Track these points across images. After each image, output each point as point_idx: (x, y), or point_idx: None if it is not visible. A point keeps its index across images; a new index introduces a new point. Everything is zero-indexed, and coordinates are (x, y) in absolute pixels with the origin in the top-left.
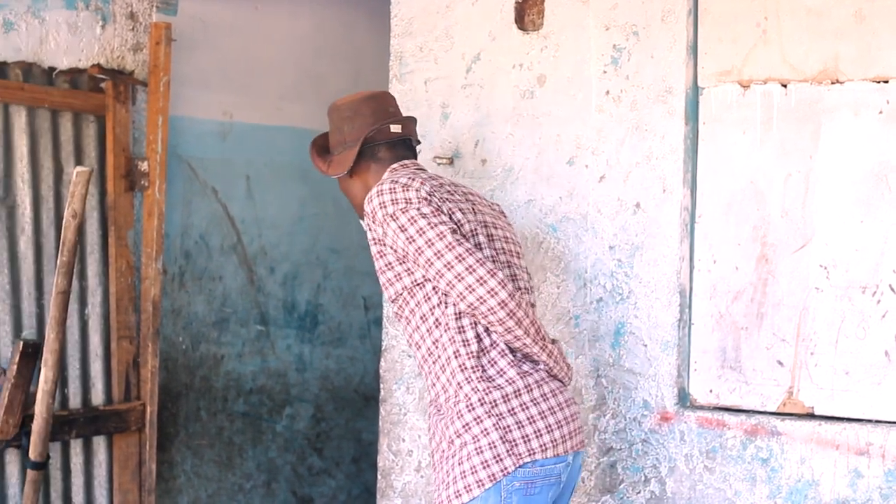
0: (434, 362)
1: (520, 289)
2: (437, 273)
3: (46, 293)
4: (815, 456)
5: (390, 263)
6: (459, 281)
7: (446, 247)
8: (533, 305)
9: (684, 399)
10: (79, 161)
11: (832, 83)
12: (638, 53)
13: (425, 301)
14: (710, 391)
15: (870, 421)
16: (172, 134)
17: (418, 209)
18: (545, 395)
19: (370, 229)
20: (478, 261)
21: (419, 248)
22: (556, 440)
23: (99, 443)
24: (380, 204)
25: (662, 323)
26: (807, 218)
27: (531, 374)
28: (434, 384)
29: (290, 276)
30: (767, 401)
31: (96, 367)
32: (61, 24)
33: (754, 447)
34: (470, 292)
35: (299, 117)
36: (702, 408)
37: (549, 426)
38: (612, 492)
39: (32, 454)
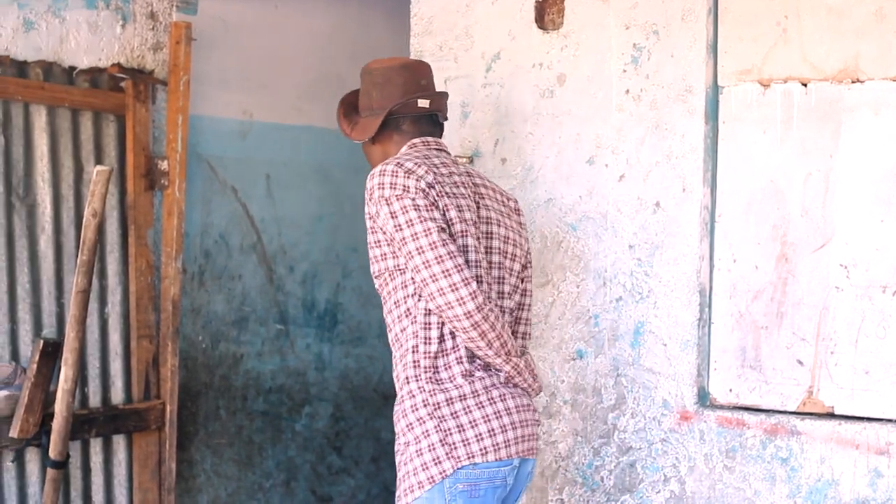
0: (397, 349)
1: (501, 294)
2: (414, 267)
3: (66, 292)
4: (834, 455)
5: (379, 241)
6: (434, 281)
7: (429, 244)
8: (524, 307)
9: (704, 398)
10: (99, 160)
11: (852, 82)
12: (658, 52)
13: (402, 287)
14: (730, 390)
15: (890, 420)
16: (192, 133)
17: (413, 199)
18: (492, 399)
19: (367, 203)
20: (455, 266)
21: (404, 238)
22: (498, 444)
23: (119, 441)
24: (378, 184)
25: (682, 322)
26: (827, 217)
27: (483, 379)
28: (395, 367)
29: (310, 275)
30: (787, 400)
31: (116, 366)
32: (81, 23)
33: (774, 447)
34: (440, 295)
35: (319, 117)
36: (721, 407)
37: (493, 430)
38: (631, 491)
39: (52, 453)
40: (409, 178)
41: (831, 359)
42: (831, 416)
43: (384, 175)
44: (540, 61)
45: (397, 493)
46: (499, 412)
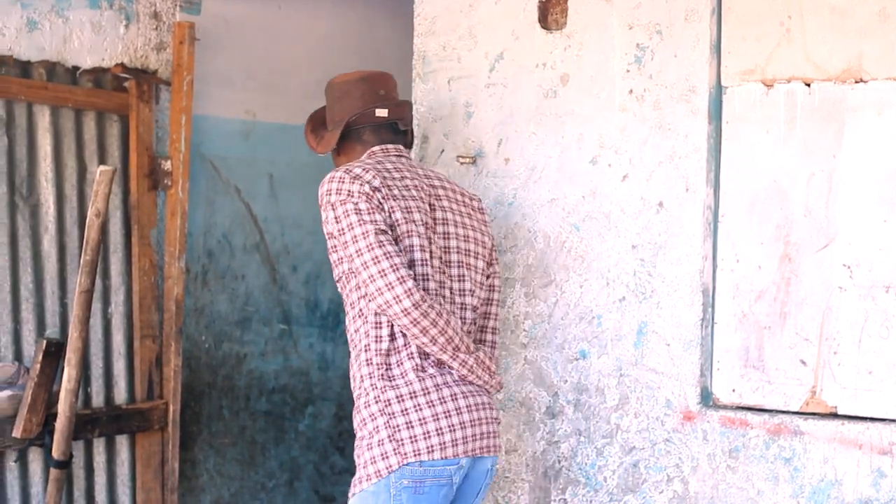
0: (353, 348)
1: (462, 292)
2: (355, 268)
3: (70, 292)
4: (838, 455)
5: (335, 247)
6: (372, 281)
7: (367, 246)
8: (492, 302)
9: (707, 398)
10: (102, 160)
11: (856, 82)
12: (661, 52)
13: (355, 290)
14: (733, 390)
15: (893, 420)
16: (195, 133)
17: (355, 204)
18: (443, 398)
19: (321, 211)
20: (391, 266)
21: (345, 242)
22: (445, 443)
23: (122, 441)
24: (326, 191)
25: (685, 322)
26: (830, 217)
27: (435, 377)
28: (351, 367)
29: (313, 275)
30: (790, 400)
31: (119, 366)
32: (85, 23)
33: (777, 447)
34: (378, 294)
35: None
36: (724, 407)
37: (440, 429)
38: (634, 491)
39: (55, 453)
40: (353, 183)
41: (834, 359)
42: (834, 416)
43: (332, 182)
44: (543, 61)
45: (352, 482)
46: (448, 411)
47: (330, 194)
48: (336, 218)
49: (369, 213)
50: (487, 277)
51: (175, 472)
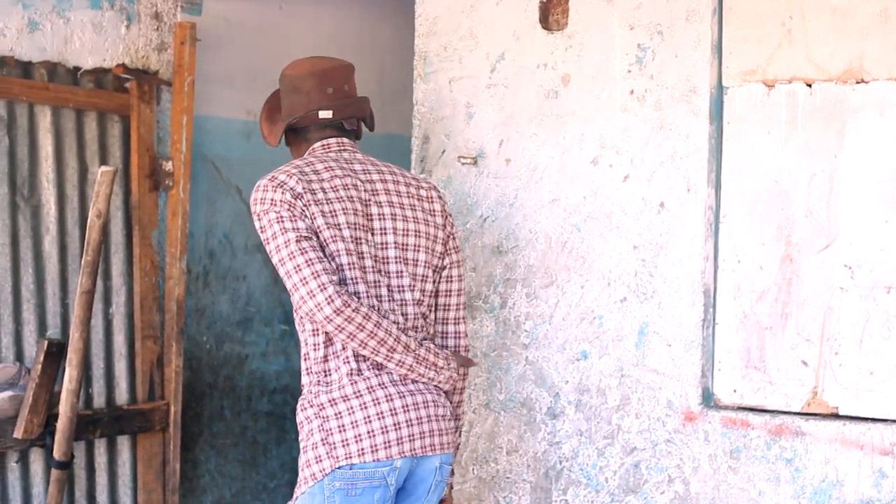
0: (301, 355)
1: (402, 288)
2: (283, 278)
3: (71, 292)
4: (839, 456)
5: (271, 252)
6: (296, 290)
7: (289, 255)
8: (450, 293)
9: (708, 399)
10: (103, 161)
11: (857, 83)
12: (662, 53)
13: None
14: (735, 391)
15: (895, 421)
16: (197, 133)
17: (277, 212)
18: (377, 399)
19: None
20: (312, 273)
21: (270, 250)
22: (376, 445)
23: (123, 442)
24: (252, 200)
25: (686, 323)
26: (831, 218)
27: (369, 378)
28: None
29: None
30: (792, 401)
31: (120, 367)
32: (86, 23)
33: (778, 447)
34: (303, 303)
35: None
36: (726, 408)
37: (372, 431)
38: (635, 492)
39: (57, 453)
40: (276, 191)
41: (836, 359)
42: (836, 416)
43: (257, 191)
44: (544, 62)
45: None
46: (381, 413)
47: (255, 203)
48: (262, 228)
49: (291, 221)
50: (443, 269)
51: (176, 472)
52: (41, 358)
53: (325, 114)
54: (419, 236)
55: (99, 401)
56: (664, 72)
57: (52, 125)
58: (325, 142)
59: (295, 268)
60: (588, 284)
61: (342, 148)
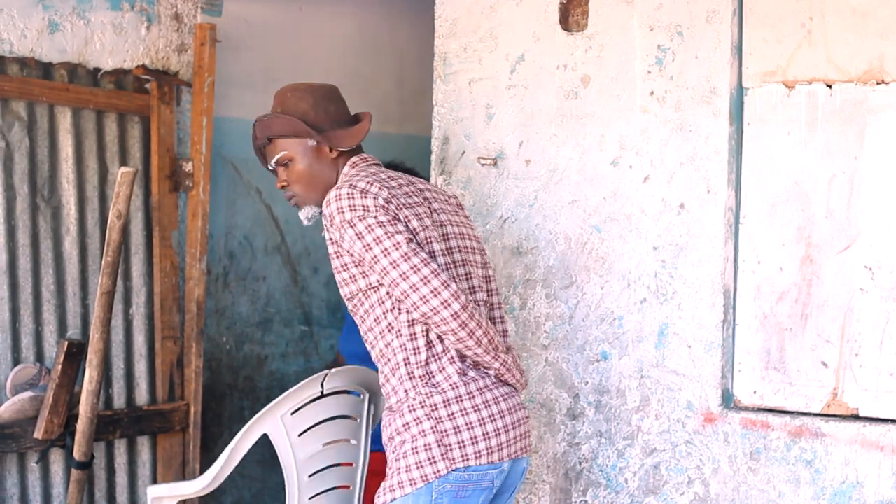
0: (385, 364)
1: (472, 290)
2: (392, 282)
3: (91, 293)
4: (859, 458)
5: (346, 265)
6: (414, 291)
7: (402, 257)
8: (487, 304)
9: (728, 400)
10: (123, 162)
11: (877, 83)
12: (682, 54)
13: (379, 304)
14: (755, 392)
15: None
16: (217, 134)
17: (375, 217)
18: (487, 402)
19: (327, 230)
20: (432, 272)
21: (375, 256)
22: (491, 448)
23: (143, 442)
24: (338, 209)
25: (706, 324)
26: (851, 219)
27: (477, 380)
28: (384, 384)
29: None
30: (812, 402)
31: (140, 367)
32: (106, 24)
33: (798, 448)
34: (424, 303)
35: None
36: (746, 409)
37: (487, 433)
38: (655, 493)
39: (77, 454)
40: (365, 197)
41: (856, 360)
42: (856, 417)
43: (340, 199)
44: (564, 63)
45: (383, 487)
46: (493, 415)
47: (343, 212)
48: (358, 235)
49: (392, 224)
50: (487, 276)
51: (196, 473)
52: (61, 358)
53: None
54: (471, 240)
55: (119, 401)
56: (684, 73)
57: (72, 126)
58: (362, 155)
59: (412, 268)
60: (608, 285)
61: (377, 162)
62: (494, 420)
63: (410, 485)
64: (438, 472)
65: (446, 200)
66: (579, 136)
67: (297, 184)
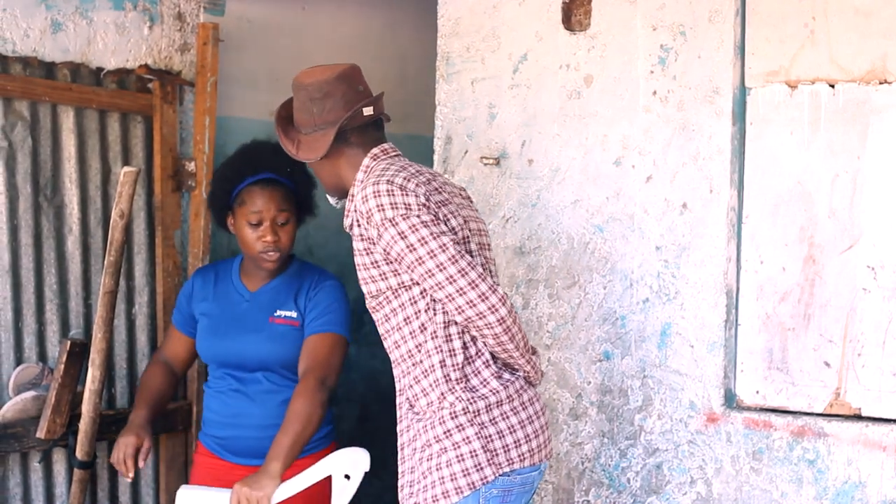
0: (414, 365)
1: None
2: (436, 284)
3: (94, 293)
4: (862, 457)
5: (377, 262)
6: (461, 295)
7: (449, 259)
8: None
9: (731, 400)
10: (126, 161)
11: (880, 83)
12: (685, 53)
13: (410, 304)
14: (757, 392)
15: None
16: (219, 134)
17: (419, 216)
18: (524, 404)
19: (358, 225)
20: (479, 276)
21: (420, 257)
22: (533, 450)
23: None
24: (377, 206)
25: (709, 324)
26: (854, 219)
27: (513, 383)
28: (412, 385)
29: (337, 275)
30: (814, 402)
31: (143, 367)
32: (109, 24)
33: (801, 448)
34: (470, 307)
35: None
36: (748, 409)
37: (528, 436)
38: (657, 493)
39: (79, 453)
40: (406, 195)
41: (858, 360)
42: (858, 417)
43: (379, 196)
44: (567, 62)
45: (421, 497)
46: (530, 417)
47: (383, 210)
48: (400, 234)
49: (436, 224)
50: (496, 267)
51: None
52: (64, 358)
53: (368, 111)
54: (486, 235)
55: (122, 401)
56: (687, 72)
57: (75, 126)
58: (383, 148)
59: (460, 271)
60: (610, 285)
61: (398, 153)
62: (532, 422)
63: (457, 493)
64: (485, 478)
65: (459, 193)
66: (582, 136)
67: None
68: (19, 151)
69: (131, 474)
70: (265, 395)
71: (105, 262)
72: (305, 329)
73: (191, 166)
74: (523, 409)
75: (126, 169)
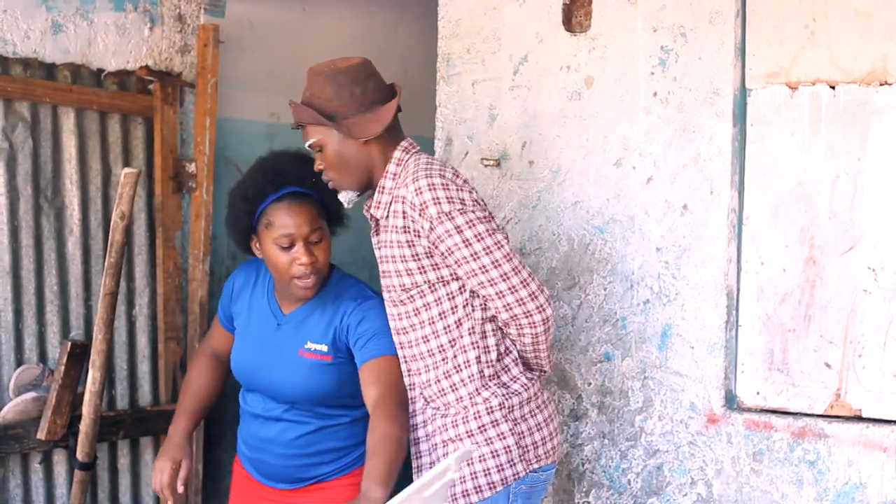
0: (445, 360)
1: None
2: (488, 280)
3: (94, 294)
4: (862, 458)
5: (417, 255)
6: (512, 292)
7: (504, 256)
8: None
9: (731, 401)
10: (126, 162)
11: (881, 84)
12: (686, 55)
13: (448, 299)
14: (758, 393)
15: None
16: (220, 135)
17: (474, 212)
18: (545, 401)
19: (404, 217)
20: (530, 274)
21: (475, 252)
22: (555, 447)
23: (146, 443)
24: (433, 199)
25: (709, 325)
26: (855, 220)
27: (534, 382)
28: (439, 380)
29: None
30: (815, 403)
31: (143, 368)
32: (109, 25)
33: (801, 449)
34: (519, 304)
35: None
36: (749, 410)
37: (552, 433)
38: (658, 494)
39: (80, 455)
40: (461, 190)
41: (859, 362)
42: (859, 418)
43: (435, 189)
44: (567, 64)
45: (454, 492)
46: (552, 414)
47: (439, 203)
48: (457, 228)
49: (490, 222)
50: None
51: (199, 473)
52: (64, 359)
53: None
54: None
55: (122, 402)
56: (687, 74)
57: (75, 127)
58: (410, 140)
59: (514, 269)
60: (611, 286)
61: (419, 149)
62: (553, 420)
63: (490, 488)
64: (517, 473)
65: None
66: (582, 138)
67: (330, 169)
68: (20, 153)
69: (170, 503)
70: (284, 428)
71: (105, 263)
72: (358, 354)
73: (191, 167)
74: (545, 406)
75: (127, 170)
